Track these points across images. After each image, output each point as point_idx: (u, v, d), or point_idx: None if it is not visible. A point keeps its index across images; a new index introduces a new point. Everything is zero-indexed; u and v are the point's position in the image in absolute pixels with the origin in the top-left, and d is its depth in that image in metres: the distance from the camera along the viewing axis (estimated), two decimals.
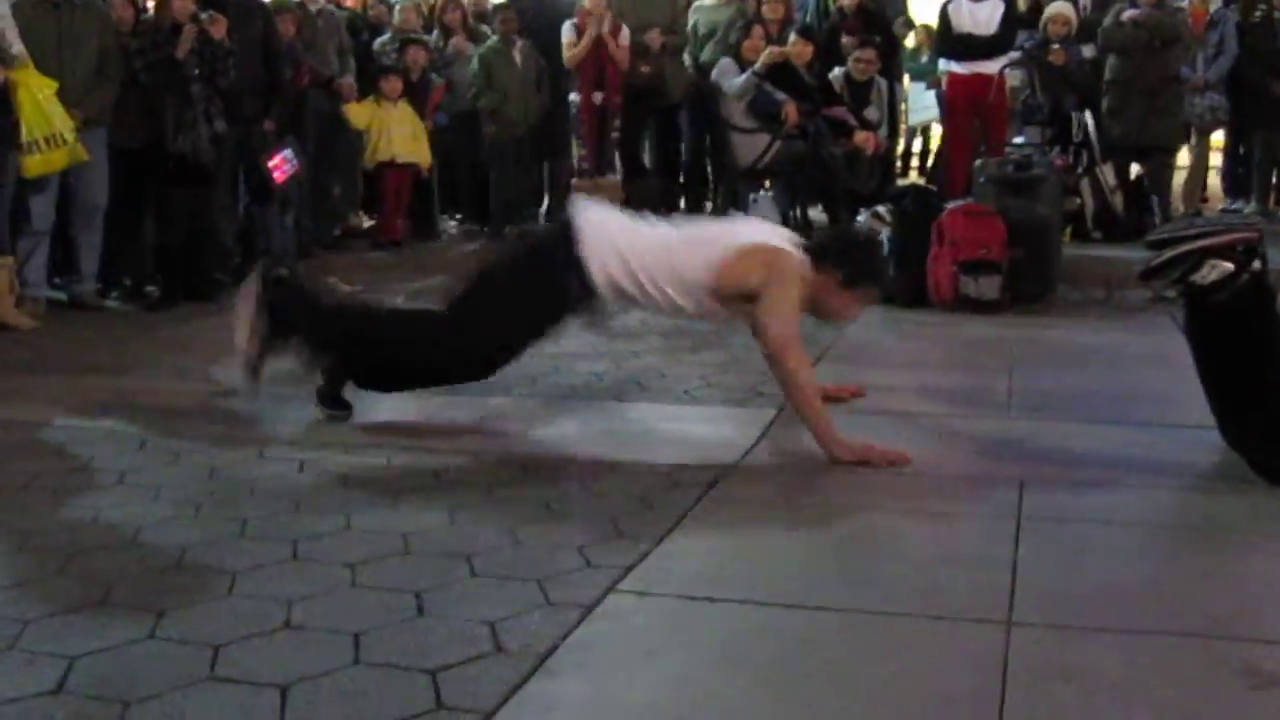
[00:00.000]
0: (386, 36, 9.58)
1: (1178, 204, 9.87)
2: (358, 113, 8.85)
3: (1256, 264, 3.50)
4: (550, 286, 4.03)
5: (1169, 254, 3.53)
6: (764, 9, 9.29)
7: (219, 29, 7.10)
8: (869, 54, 8.95)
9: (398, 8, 9.91)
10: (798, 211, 9.02)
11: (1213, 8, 9.63)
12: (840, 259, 4.00)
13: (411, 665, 2.39)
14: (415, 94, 9.08)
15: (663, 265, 3.98)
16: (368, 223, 9.76)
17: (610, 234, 4.04)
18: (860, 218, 7.29)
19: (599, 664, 2.42)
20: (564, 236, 4.05)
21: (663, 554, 3.02)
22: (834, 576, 2.90)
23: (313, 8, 8.78)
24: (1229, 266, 3.47)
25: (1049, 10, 9.06)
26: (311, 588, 2.79)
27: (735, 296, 3.94)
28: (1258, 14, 9.63)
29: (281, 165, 7.47)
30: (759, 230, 4.23)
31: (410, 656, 2.42)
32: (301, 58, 8.32)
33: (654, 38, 9.06)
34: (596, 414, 4.49)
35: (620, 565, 2.91)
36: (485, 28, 9.87)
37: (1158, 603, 2.74)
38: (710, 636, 2.57)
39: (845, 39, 9.21)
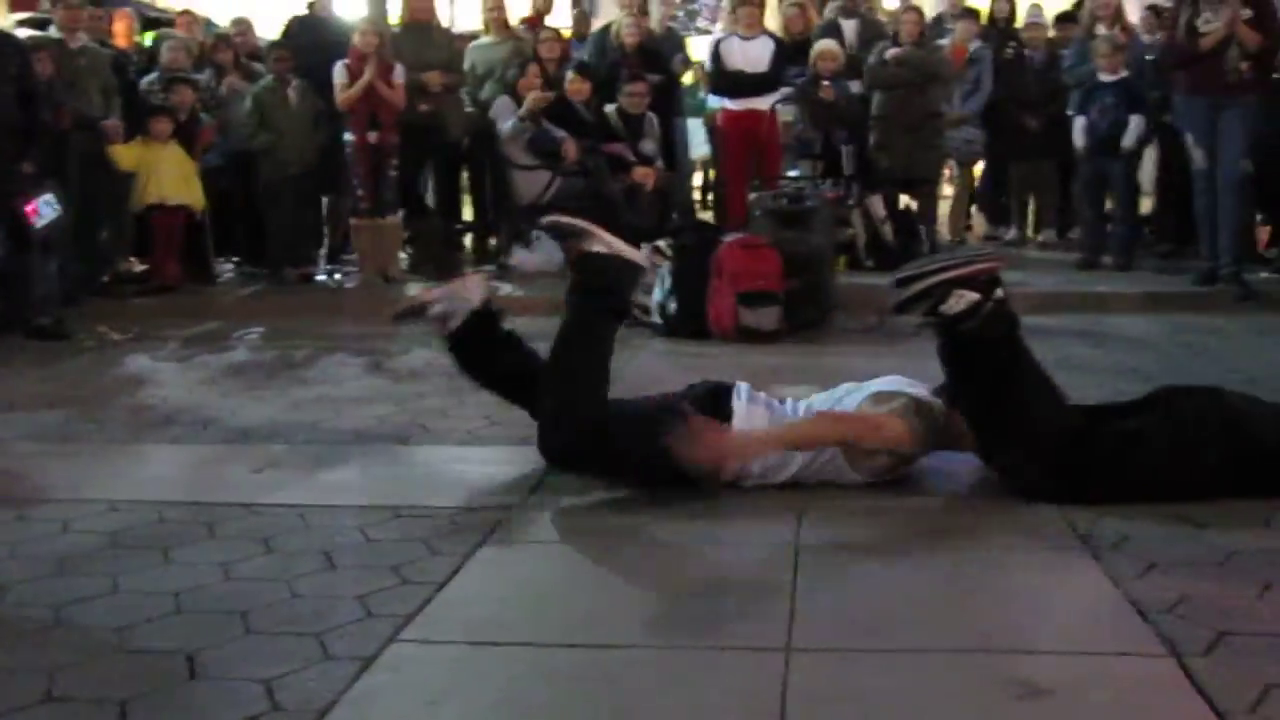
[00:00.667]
0: (154, 75, 9.29)
1: (945, 232, 10.30)
2: (124, 154, 8.55)
3: (999, 292, 3.66)
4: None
5: (918, 287, 3.65)
6: (540, 48, 9.36)
7: None
8: (640, 87, 9.12)
9: (165, 46, 9.62)
10: None
11: (971, 46, 10.09)
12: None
13: None
14: (185, 134, 8.83)
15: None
16: (139, 267, 9.42)
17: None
18: (641, 252, 7.36)
19: (379, 718, 2.36)
20: (714, 408, 3.86)
21: (445, 600, 2.98)
22: (616, 613, 2.91)
23: (74, 45, 8.45)
24: (975, 296, 3.62)
25: (816, 48, 9.37)
26: (76, 655, 2.66)
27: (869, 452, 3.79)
28: (1009, 51, 10.15)
29: (38, 209, 7.14)
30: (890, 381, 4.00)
31: None
32: (61, 98, 8.00)
33: (432, 78, 9.02)
34: (378, 458, 4.41)
35: (401, 614, 2.86)
36: (259, 66, 9.66)
37: (930, 621, 2.83)
38: (493, 682, 2.54)
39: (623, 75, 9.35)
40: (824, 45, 9.37)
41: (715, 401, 3.87)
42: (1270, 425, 3.69)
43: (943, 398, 3.83)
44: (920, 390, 3.86)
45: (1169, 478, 3.62)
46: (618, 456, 3.80)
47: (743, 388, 3.94)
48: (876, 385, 3.91)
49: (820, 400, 3.97)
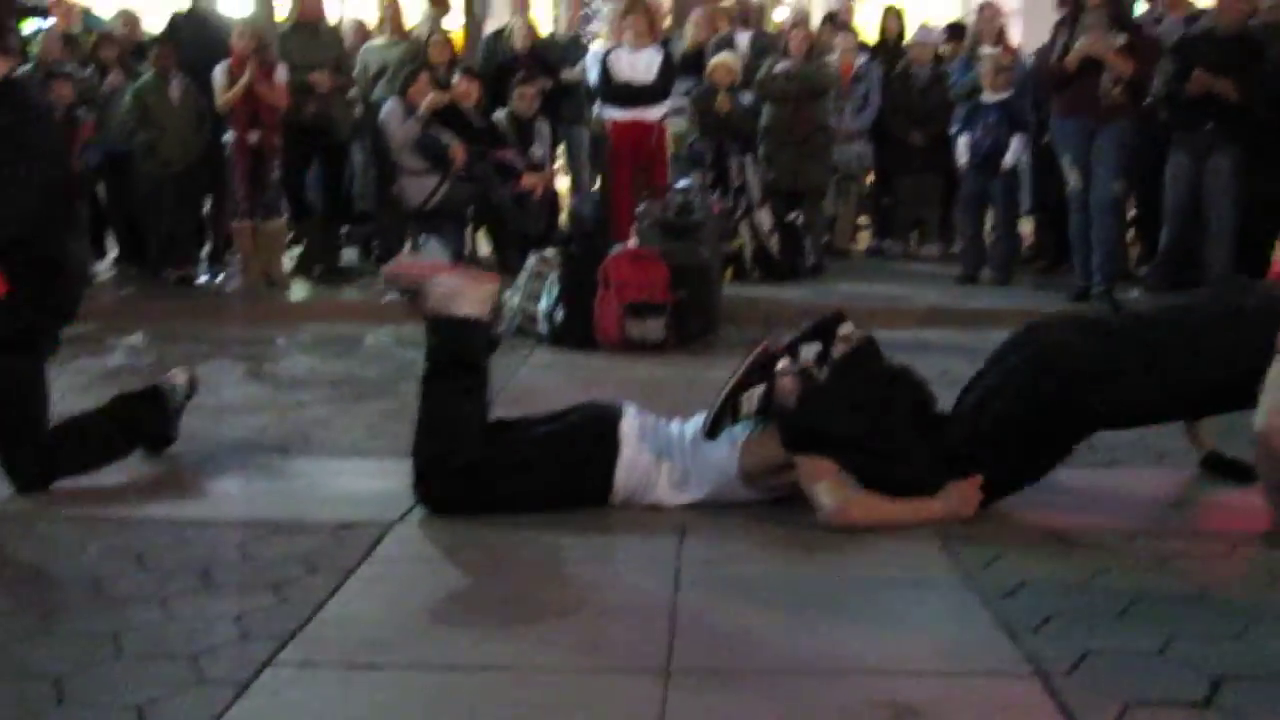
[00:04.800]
0: (29, 67, 9.04)
1: (838, 242, 10.46)
2: None
3: (783, 363, 3.79)
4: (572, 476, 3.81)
5: (713, 412, 3.77)
6: (430, 52, 9.30)
7: None
8: (530, 90, 9.13)
9: (39, 38, 9.38)
10: (467, 253, 9.07)
11: (858, 62, 10.25)
12: None
13: None
14: (63, 130, 8.60)
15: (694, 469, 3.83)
16: None
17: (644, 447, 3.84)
18: (530, 261, 7.38)
19: None
20: (600, 439, 3.84)
21: (324, 620, 2.96)
22: (498, 634, 2.91)
23: None
24: (759, 389, 3.76)
25: (714, 60, 9.43)
26: None
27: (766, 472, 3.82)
28: (898, 67, 10.33)
29: None
30: None
31: None
32: None
33: (320, 79, 8.91)
34: (258, 470, 4.35)
35: (279, 635, 2.83)
36: (142, 65, 9.46)
37: (808, 640, 2.88)
38: (374, 707, 2.53)
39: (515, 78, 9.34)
40: (722, 58, 9.44)
41: (600, 428, 3.86)
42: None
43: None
44: None
45: None
46: (502, 501, 3.77)
47: (630, 411, 3.95)
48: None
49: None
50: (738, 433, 3.82)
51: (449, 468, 3.76)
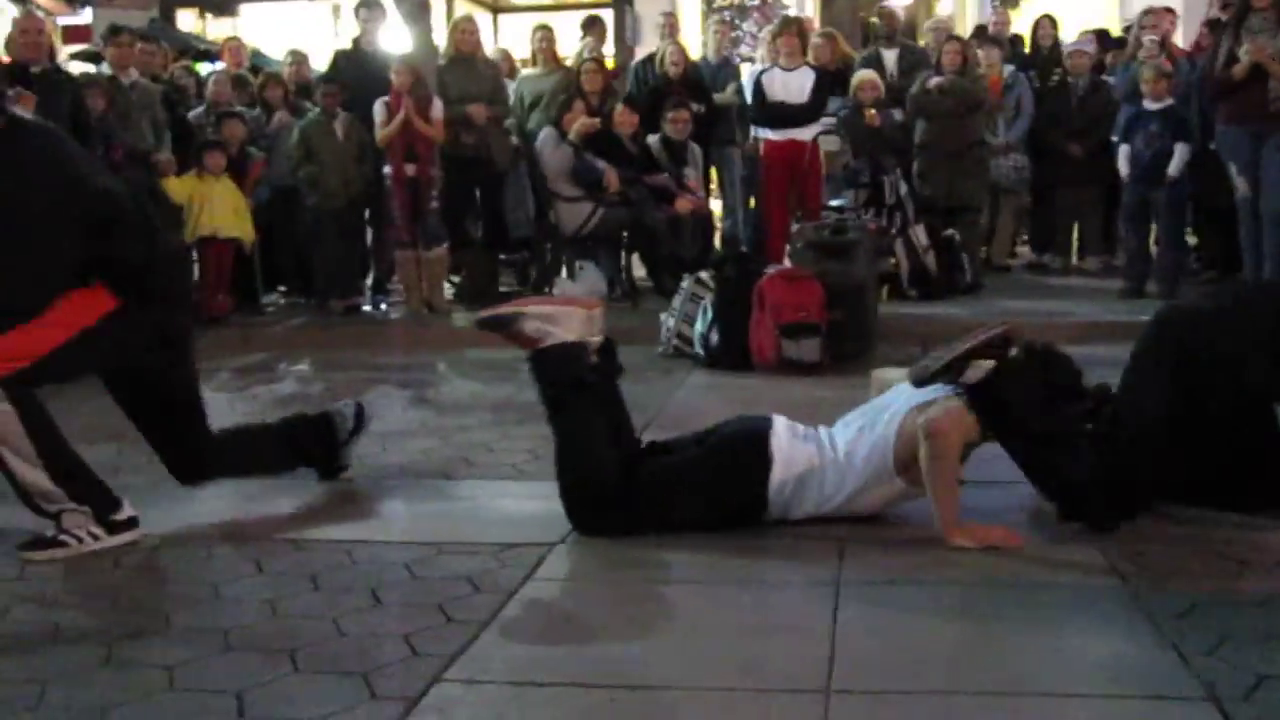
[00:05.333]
0: (201, 109, 9.46)
1: (996, 257, 10.30)
2: (178, 187, 8.70)
3: (1014, 351, 3.84)
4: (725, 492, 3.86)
5: (942, 361, 3.78)
6: (583, 80, 9.44)
7: (27, 104, 6.93)
8: (683, 114, 9.20)
9: (211, 80, 9.79)
10: (624, 277, 9.17)
11: (1005, 72, 10.10)
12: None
13: None
14: (235, 168, 8.97)
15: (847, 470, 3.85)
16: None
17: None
18: (684, 284, 7.42)
19: None
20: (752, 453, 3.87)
21: (490, 639, 3.02)
22: (658, 653, 2.94)
23: (125, 80, 8.62)
24: (989, 364, 3.77)
25: (856, 78, 9.41)
26: (126, 694, 2.72)
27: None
28: (1054, 79, 10.15)
29: None
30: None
31: None
32: (114, 132, 8.16)
33: (478, 111, 9.12)
34: (423, 493, 4.47)
35: (446, 653, 2.90)
36: (307, 103, 9.81)
37: (970, 661, 2.85)
38: None
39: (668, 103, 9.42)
40: (864, 75, 9.42)
41: (751, 444, 3.88)
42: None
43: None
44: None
45: None
46: (652, 523, 3.80)
47: (780, 425, 3.95)
48: (905, 399, 3.90)
49: (852, 422, 3.97)
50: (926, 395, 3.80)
51: (591, 496, 3.82)
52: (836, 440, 3.91)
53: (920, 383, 3.82)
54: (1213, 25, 9.51)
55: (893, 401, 3.95)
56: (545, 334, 3.89)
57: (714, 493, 3.82)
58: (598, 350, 3.97)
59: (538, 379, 3.93)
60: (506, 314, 3.96)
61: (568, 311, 3.94)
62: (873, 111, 9.18)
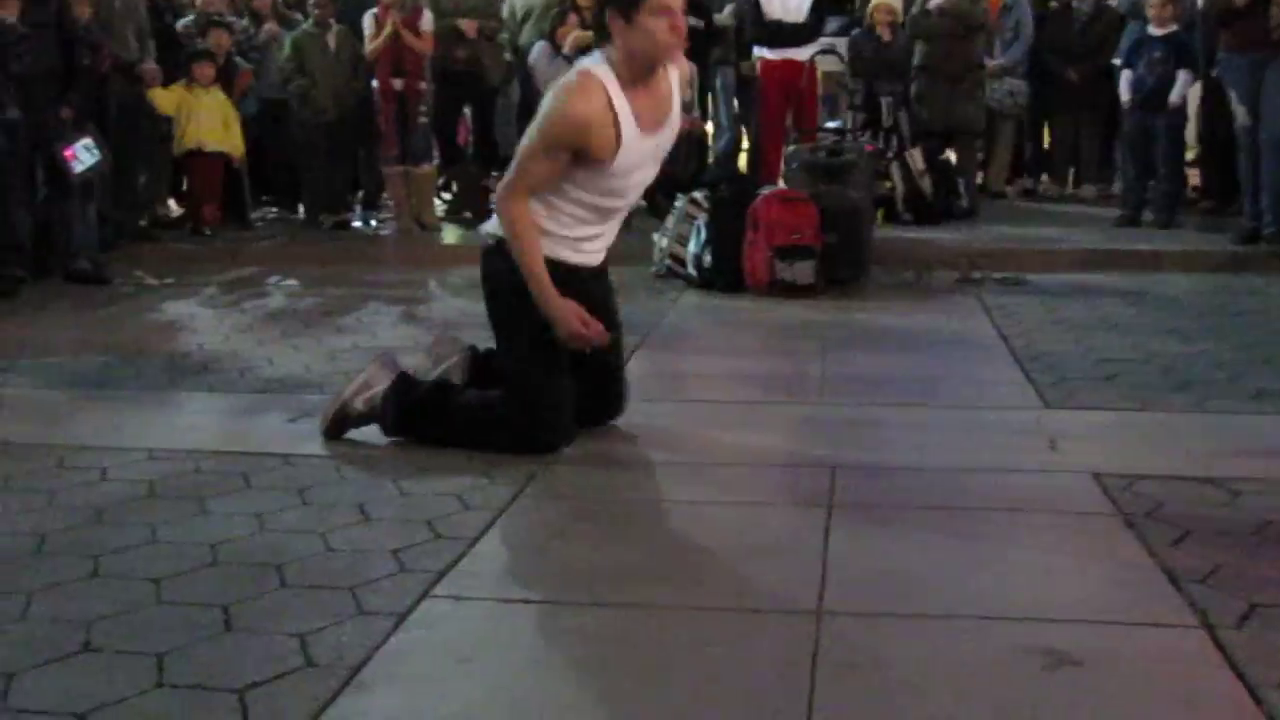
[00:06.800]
0: (189, 19, 9.29)
1: (992, 183, 10.22)
2: (165, 98, 8.57)
3: None
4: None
5: None
6: None
7: (9, 10, 6.80)
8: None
9: None
10: None
11: None
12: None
13: (218, 685, 2.32)
14: (221, 79, 8.83)
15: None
16: (177, 212, 9.47)
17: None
18: (678, 204, 7.35)
19: (411, 674, 2.39)
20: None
21: (477, 556, 3.00)
22: (648, 572, 2.92)
23: None
24: None
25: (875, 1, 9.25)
26: (113, 606, 2.70)
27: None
28: (1055, 3, 10.00)
29: (76, 154, 7.17)
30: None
31: (216, 676, 2.36)
32: (101, 41, 8.00)
33: (468, 25, 8.97)
34: None
35: (434, 570, 2.88)
36: (298, 15, 9.64)
37: (960, 585, 2.83)
38: (525, 640, 2.57)
39: None
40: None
41: None
42: None
43: None
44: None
45: None
46: None
47: None
48: None
49: None
50: None
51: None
52: None
53: None
54: None
55: None
56: (371, 396, 3.95)
57: None
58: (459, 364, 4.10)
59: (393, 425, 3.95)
60: (332, 416, 4.00)
61: (371, 371, 4.02)
62: (889, 31, 9.04)
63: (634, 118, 3.69)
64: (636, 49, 3.68)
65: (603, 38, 3.79)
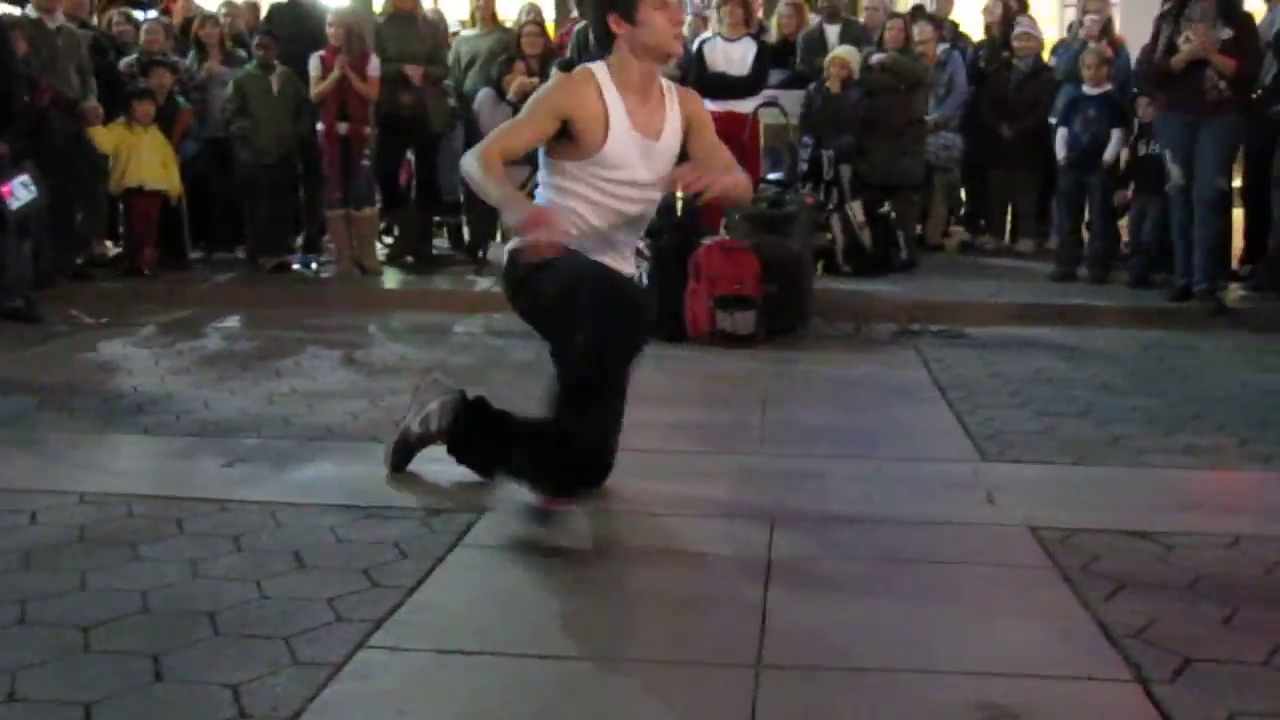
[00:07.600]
0: (133, 57, 9.22)
1: (930, 236, 10.32)
2: (104, 136, 8.48)
3: None
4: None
5: None
6: (523, 43, 9.33)
7: None
8: None
9: (144, 28, 9.56)
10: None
11: (939, 50, 10.09)
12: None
13: None
14: (162, 119, 8.77)
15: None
16: (114, 251, 9.36)
17: None
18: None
19: None
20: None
21: (415, 605, 2.97)
22: (586, 624, 2.91)
23: (50, 24, 8.36)
24: None
25: (834, 54, 9.30)
26: (40, 654, 2.64)
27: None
28: (1003, 57, 10.15)
29: (13, 190, 7.07)
30: None
31: None
32: (39, 77, 7.92)
33: (415, 71, 8.98)
34: (351, 456, 4.38)
35: (371, 619, 2.85)
36: (242, 52, 9.60)
37: (899, 639, 2.84)
38: (463, 693, 2.54)
39: None
40: (840, 53, 9.28)
41: None
42: None
43: None
44: None
45: None
46: None
47: None
48: None
49: None
50: None
51: None
52: None
53: None
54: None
55: None
56: (425, 417, 4.00)
57: None
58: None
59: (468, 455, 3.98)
60: (395, 445, 4.07)
61: (420, 392, 4.09)
62: (838, 85, 9.12)
63: (625, 113, 3.69)
64: (643, 46, 3.69)
65: (603, 49, 3.78)
